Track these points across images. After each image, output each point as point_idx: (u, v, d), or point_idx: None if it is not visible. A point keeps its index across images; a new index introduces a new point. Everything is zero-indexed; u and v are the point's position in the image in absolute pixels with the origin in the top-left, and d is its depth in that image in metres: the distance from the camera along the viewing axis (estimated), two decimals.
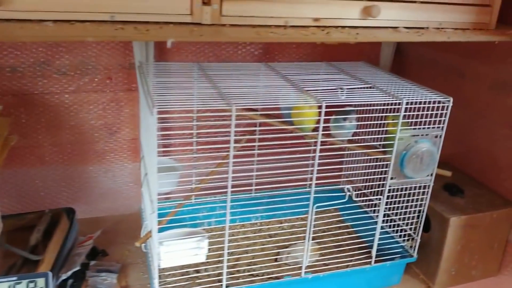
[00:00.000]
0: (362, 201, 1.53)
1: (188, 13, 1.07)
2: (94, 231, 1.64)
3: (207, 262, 1.36)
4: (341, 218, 1.78)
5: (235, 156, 1.19)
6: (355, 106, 1.31)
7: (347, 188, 1.30)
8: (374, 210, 1.66)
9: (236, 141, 1.50)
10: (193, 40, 1.27)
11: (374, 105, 1.29)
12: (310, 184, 1.81)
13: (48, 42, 1.54)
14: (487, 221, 1.50)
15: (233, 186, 1.42)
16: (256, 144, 1.65)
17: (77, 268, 1.45)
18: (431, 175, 1.37)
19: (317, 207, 1.30)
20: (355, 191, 1.73)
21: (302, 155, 1.43)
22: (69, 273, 1.44)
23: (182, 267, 1.39)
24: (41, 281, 1.26)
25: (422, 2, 1.25)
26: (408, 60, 1.96)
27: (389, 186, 1.34)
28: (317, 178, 1.29)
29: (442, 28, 1.28)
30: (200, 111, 1.37)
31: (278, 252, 1.62)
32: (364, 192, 1.57)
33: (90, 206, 1.78)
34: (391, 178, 1.33)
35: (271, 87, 1.25)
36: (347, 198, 1.31)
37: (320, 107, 1.19)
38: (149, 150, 1.19)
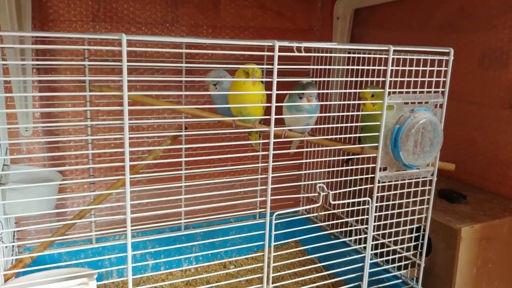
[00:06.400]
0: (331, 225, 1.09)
1: None
2: None
3: None
4: (301, 249, 1.32)
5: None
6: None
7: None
8: (348, 234, 1.20)
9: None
10: None
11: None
12: (261, 209, 1.39)
13: None
14: (506, 230, 1.10)
15: (152, 217, 0.95)
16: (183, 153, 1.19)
17: None
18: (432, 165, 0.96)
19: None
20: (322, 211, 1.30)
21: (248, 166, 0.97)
22: None
23: None
24: None
25: None
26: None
27: (380, 182, 0.91)
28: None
29: None
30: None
31: None
32: (336, 214, 1.13)
33: None
34: (381, 170, 0.91)
35: None
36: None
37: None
38: None
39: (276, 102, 0.80)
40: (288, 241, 1.35)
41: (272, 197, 0.81)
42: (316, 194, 0.87)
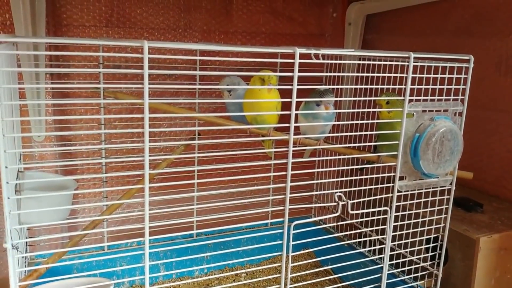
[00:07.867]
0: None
1: None
2: None
3: None
4: (316, 260, 1.30)
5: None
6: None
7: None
8: (362, 245, 1.19)
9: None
10: None
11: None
12: (273, 218, 1.37)
13: None
14: None
15: (163, 226, 0.94)
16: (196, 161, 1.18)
17: None
18: (451, 175, 0.95)
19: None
20: (338, 221, 1.28)
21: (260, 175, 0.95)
22: None
23: None
24: None
25: None
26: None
27: (398, 191, 0.89)
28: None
29: None
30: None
31: None
32: (351, 223, 1.12)
33: None
34: (400, 179, 0.89)
35: None
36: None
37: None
38: None
39: (289, 110, 0.78)
40: (302, 252, 1.33)
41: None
42: (334, 204, 0.86)
